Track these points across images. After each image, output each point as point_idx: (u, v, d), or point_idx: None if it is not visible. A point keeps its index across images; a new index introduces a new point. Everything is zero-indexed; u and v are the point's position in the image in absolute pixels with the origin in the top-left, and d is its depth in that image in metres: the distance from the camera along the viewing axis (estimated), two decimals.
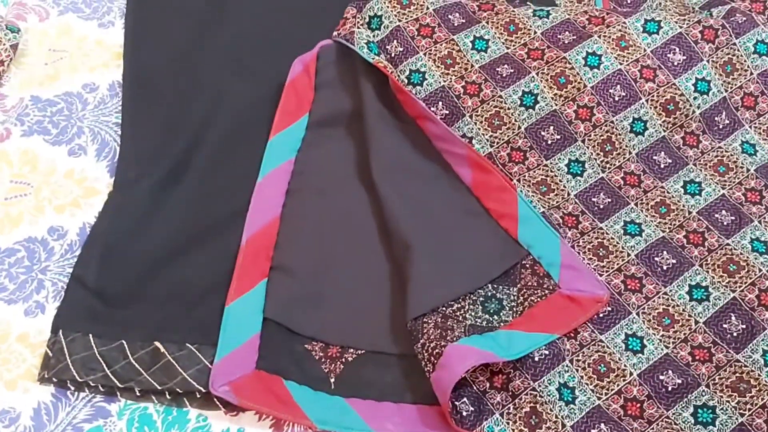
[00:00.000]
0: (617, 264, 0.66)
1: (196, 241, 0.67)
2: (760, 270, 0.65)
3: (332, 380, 0.60)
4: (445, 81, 0.74)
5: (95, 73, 0.80)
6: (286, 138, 0.72)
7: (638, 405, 0.59)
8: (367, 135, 0.71)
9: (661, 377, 0.60)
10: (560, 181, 0.71)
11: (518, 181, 0.70)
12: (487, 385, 0.59)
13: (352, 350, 0.61)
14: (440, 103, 0.73)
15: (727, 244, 0.67)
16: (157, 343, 0.60)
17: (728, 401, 0.59)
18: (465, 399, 0.58)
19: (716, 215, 0.69)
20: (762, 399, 0.59)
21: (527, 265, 0.65)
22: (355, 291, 0.64)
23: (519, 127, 0.72)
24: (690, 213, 0.69)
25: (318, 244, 0.66)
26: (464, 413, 0.58)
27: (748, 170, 0.72)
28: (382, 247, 0.67)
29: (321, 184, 0.70)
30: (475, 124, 0.72)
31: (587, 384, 0.60)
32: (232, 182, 0.70)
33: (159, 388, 0.57)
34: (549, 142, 0.72)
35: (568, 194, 0.70)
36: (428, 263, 0.63)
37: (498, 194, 0.69)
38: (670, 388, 0.60)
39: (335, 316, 0.63)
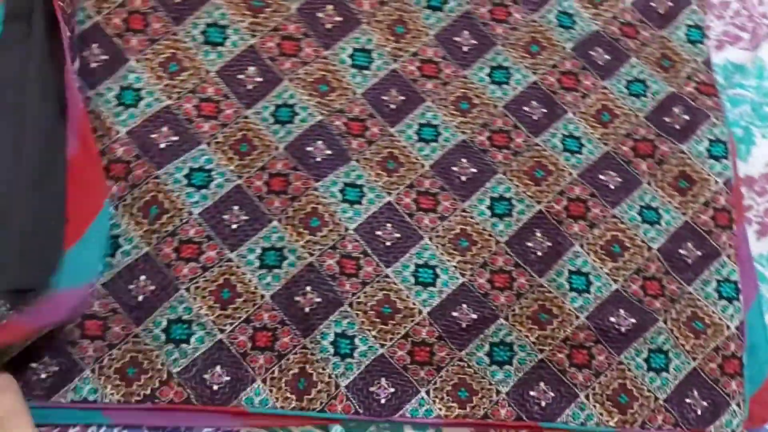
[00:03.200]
0: (409, 179, 0.54)
1: None
2: (570, 174, 0.55)
3: None
4: None
5: None
6: None
7: (428, 349, 0.50)
8: None
9: (454, 314, 0.51)
10: (343, 77, 0.56)
11: (290, 80, 0.55)
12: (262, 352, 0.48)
13: None
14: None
15: (536, 145, 0.56)
16: None
17: (527, 336, 0.51)
18: (219, 369, 0.46)
19: (525, 108, 0.57)
20: (564, 331, 0.51)
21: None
22: None
23: None
24: (496, 107, 0.57)
25: None
26: (215, 387, 0.46)
27: (563, 48, 0.60)
28: None
29: None
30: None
31: (369, 330, 0.50)
32: None
33: None
34: (328, 26, 0.57)
35: (354, 93, 0.56)
36: None
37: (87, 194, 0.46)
38: (464, 325, 0.51)
39: None
